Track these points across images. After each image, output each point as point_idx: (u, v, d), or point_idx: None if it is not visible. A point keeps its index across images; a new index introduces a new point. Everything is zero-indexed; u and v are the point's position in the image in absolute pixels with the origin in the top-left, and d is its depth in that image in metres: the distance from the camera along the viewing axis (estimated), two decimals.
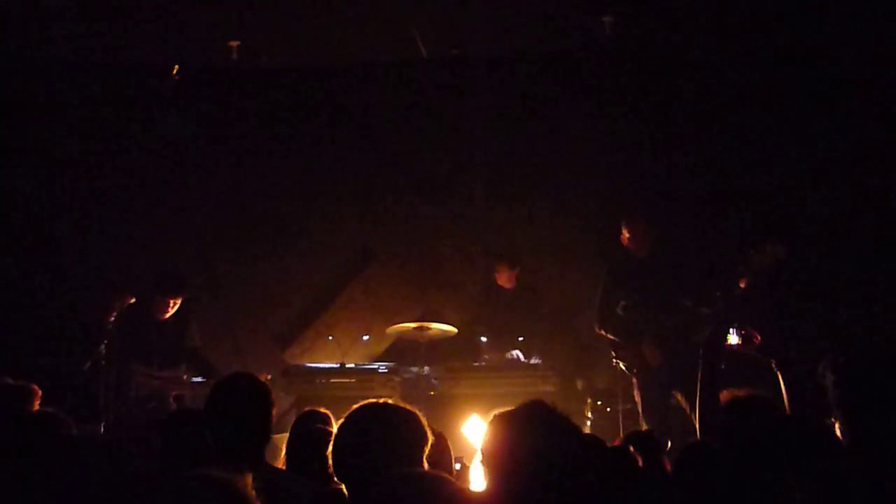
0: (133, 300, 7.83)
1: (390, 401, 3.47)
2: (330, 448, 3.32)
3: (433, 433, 3.96)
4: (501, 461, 2.98)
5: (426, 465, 3.29)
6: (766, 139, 8.80)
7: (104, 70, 9.25)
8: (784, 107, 8.67)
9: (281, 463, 4.37)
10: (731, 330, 4.39)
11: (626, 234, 7.65)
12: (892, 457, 3.31)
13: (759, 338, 4.48)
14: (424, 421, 3.46)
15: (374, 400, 3.47)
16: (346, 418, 3.39)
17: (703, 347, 4.34)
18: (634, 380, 7.60)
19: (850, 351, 3.64)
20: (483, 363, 8.68)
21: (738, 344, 4.43)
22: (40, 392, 5.10)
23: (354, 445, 3.31)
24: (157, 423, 4.59)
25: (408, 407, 3.46)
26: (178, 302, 8.12)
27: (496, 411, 3.65)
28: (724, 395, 4.40)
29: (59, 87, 9.18)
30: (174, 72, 9.11)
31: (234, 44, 8.77)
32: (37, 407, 5.01)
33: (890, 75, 8.03)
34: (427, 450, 3.38)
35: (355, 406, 3.42)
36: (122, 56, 9.06)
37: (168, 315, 8.10)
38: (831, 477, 3.08)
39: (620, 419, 7.77)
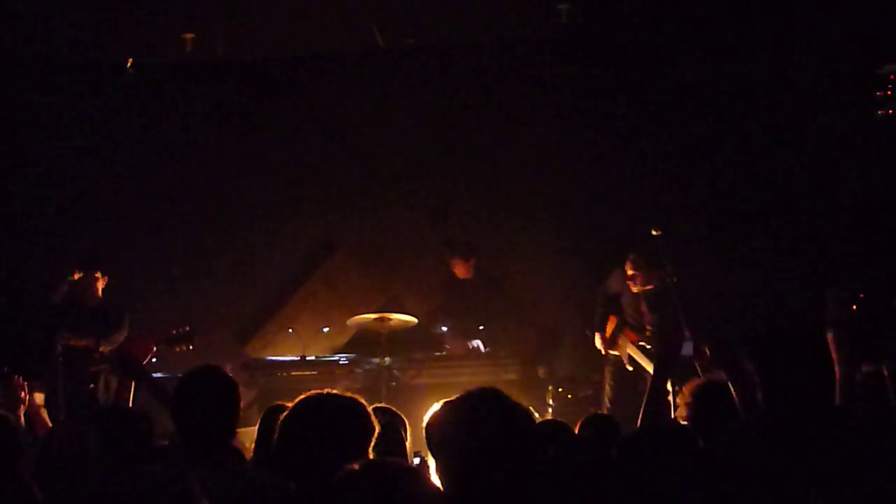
0: (77, 276, 7.74)
1: (334, 391, 3.45)
2: (273, 443, 3.31)
3: (390, 415, 3.96)
4: (450, 449, 2.96)
5: (371, 455, 3.28)
6: (724, 125, 8.89)
7: (58, 64, 9.14)
8: (744, 92, 8.76)
9: (247, 456, 4.35)
10: (684, 344, 4.44)
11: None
12: (803, 427, 3.41)
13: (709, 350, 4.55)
14: (370, 410, 3.45)
15: (315, 392, 3.45)
16: (289, 413, 3.37)
17: (657, 360, 4.40)
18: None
19: (759, 334, 3.82)
20: (444, 353, 8.71)
21: (691, 356, 4.49)
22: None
23: (297, 439, 3.29)
24: (94, 419, 4.50)
25: (354, 397, 3.44)
26: (98, 276, 7.96)
27: (443, 399, 3.67)
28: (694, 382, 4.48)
29: (11, 82, 9.05)
30: (128, 65, 9.02)
31: (189, 36, 8.69)
32: None
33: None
34: (373, 440, 3.37)
35: (298, 399, 3.41)
36: (76, 50, 8.96)
37: (92, 292, 7.93)
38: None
39: (582, 405, 7.86)
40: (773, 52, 8.55)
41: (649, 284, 8.01)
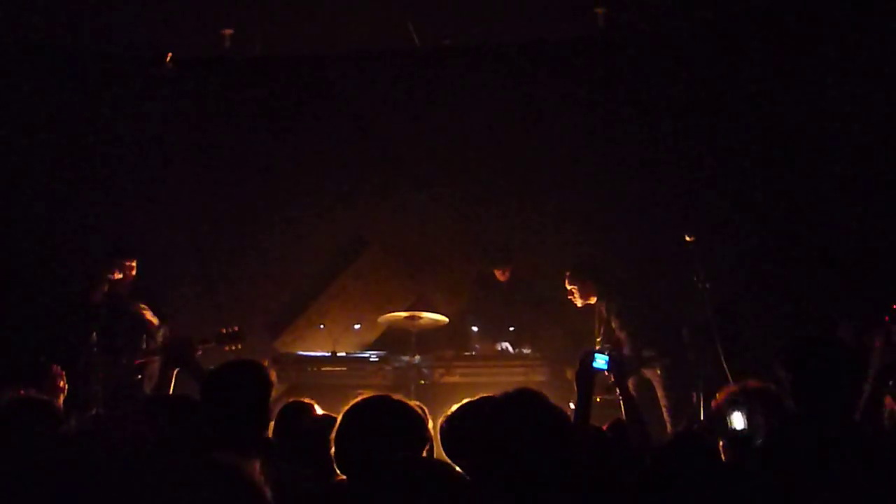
0: (119, 275, 7.84)
1: (398, 397, 3.48)
2: (333, 435, 3.33)
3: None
4: (487, 447, 2.98)
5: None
6: (758, 131, 8.84)
7: (97, 57, 9.23)
8: (781, 99, 8.70)
9: None
10: (596, 356, 4.44)
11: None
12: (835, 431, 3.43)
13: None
14: (429, 423, 3.47)
15: (382, 394, 3.47)
16: (353, 408, 3.39)
17: (576, 374, 4.40)
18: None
19: (792, 344, 3.88)
20: (473, 353, 8.72)
21: (606, 371, 4.49)
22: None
23: (361, 435, 3.31)
24: (148, 407, 4.54)
25: (415, 405, 3.46)
26: (133, 265, 8.06)
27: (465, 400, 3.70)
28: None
29: (51, 74, 9.15)
30: (167, 60, 9.10)
31: (227, 32, 8.76)
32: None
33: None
34: (425, 452, 3.39)
35: (363, 396, 3.43)
36: (115, 43, 9.05)
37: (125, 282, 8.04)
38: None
39: (609, 409, 7.82)
40: (808, 57, 8.47)
41: (589, 299, 8.10)
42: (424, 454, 3.35)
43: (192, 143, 9.66)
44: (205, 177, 9.68)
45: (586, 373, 4.33)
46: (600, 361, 4.41)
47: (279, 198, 9.70)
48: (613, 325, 8.08)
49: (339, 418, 3.39)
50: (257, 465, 2.43)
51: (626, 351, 7.82)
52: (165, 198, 9.52)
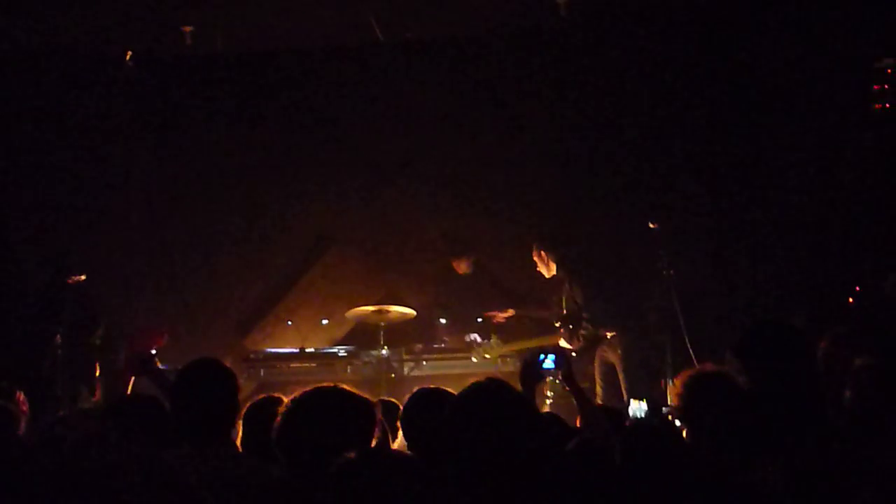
0: (83, 277, 7.83)
1: (344, 386, 3.50)
2: (275, 429, 3.35)
3: (385, 403, 4.01)
4: (454, 439, 2.99)
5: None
6: (725, 117, 8.91)
7: (55, 56, 9.13)
8: (742, 84, 8.78)
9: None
10: (545, 356, 4.48)
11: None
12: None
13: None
14: (372, 402, 3.49)
15: (319, 385, 3.49)
16: (293, 403, 3.41)
17: (520, 374, 4.44)
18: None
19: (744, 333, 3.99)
20: (442, 345, 8.75)
21: (553, 370, 4.53)
22: None
23: (300, 429, 3.32)
24: (108, 410, 4.55)
25: (357, 392, 3.48)
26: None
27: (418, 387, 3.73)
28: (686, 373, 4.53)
29: (8, 74, 9.05)
30: (127, 58, 9.03)
31: (188, 29, 8.70)
32: None
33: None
34: (375, 432, 3.40)
35: (301, 391, 3.45)
36: (74, 42, 8.95)
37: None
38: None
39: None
40: (772, 45, 8.56)
41: (551, 271, 8.29)
42: (374, 445, 3.35)
43: (155, 142, 9.59)
44: (170, 175, 9.62)
45: (530, 373, 4.35)
46: (548, 361, 4.44)
47: (245, 195, 9.65)
48: (573, 295, 8.17)
49: (283, 409, 3.40)
50: (213, 459, 2.42)
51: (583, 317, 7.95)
52: (130, 197, 9.45)
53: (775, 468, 3.33)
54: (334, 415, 3.32)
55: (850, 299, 7.73)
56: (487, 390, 3.09)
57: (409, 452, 3.78)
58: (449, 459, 2.93)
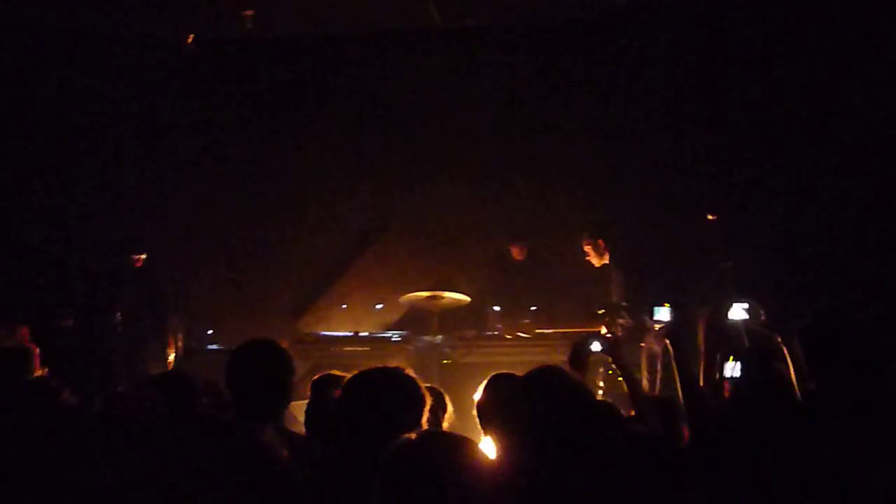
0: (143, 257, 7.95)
1: (403, 368, 3.52)
2: (335, 404, 3.38)
3: (431, 390, 4.04)
4: (514, 423, 3.02)
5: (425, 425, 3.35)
6: (783, 115, 8.79)
7: (118, 40, 9.26)
8: (806, 82, 8.65)
9: (299, 429, 4.42)
10: (592, 340, 4.49)
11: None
12: (853, 409, 3.47)
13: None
14: (421, 383, 3.52)
15: (370, 367, 3.52)
16: (345, 386, 3.44)
17: (569, 359, 4.45)
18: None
19: (811, 321, 3.87)
20: (495, 332, 8.74)
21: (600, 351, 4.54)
22: (37, 351, 5.12)
23: (352, 411, 3.36)
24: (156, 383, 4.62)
25: (407, 371, 3.51)
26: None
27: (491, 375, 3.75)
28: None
29: (70, 57, 9.18)
30: (189, 41, 9.12)
31: (249, 13, 8.77)
32: (37, 370, 5.04)
33: None
34: (425, 413, 3.43)
35: (353, 373, 3.48)
36: (134, 25, 9.07)
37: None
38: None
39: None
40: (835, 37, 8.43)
41: (605, 258, 8.31)
42: (424, 418, 3.38)
43: (215, 125, 9.68)
44: (228, 160, 9.71)
45: (579, 356, 4.38)
46: (595, 345, 4.47)
47: (302, 180, 9.73)
48: (619, 284, 8.15)
49: (334, 402, 3.44)
50: (269, 431, 2.46)
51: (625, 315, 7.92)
52: (189, 181, 9.56)
53: None
54: (392, 395, 3.35)
55: None
56: (546, 375, 3.12)
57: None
58: (508, 442, 2.96)
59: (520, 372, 3.41)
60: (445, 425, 4.26)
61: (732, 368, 4.26)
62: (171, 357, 8.07)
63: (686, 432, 4.14)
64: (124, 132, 9.30)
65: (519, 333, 8.43)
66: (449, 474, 2.62)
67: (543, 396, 3.02)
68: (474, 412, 4.07)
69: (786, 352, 4.38)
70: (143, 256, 8.13)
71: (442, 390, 4.49)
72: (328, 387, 4.60)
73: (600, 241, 8.25)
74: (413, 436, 2.75)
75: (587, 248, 8.32)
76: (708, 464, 3.19)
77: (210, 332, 8.86)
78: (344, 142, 9.70)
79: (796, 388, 4.05)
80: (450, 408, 4.37)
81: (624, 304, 8.00)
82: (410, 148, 9.69)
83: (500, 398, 3.75)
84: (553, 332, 8.50)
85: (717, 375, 5.17)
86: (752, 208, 8.68)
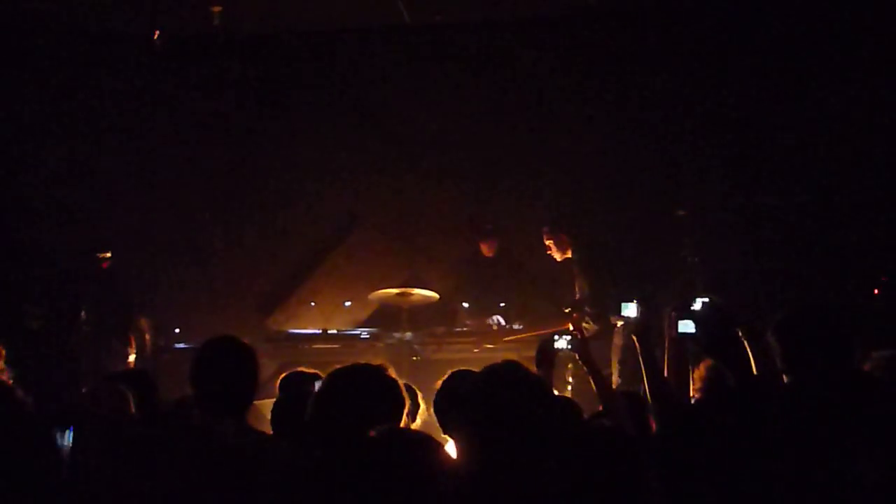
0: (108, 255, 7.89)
1: (380, 365, 3.52)
2: (310, 404, 3.37)
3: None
4: (470, 421, 3.02)
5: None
6: (754, 103, 8.84)
7: (83, 34, 9.17)
8: (769, 69, 8.71)
9: (267, 428, 4.40)
10: (558, 337, 4.53)
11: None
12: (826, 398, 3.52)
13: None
14: (401, 383, 3.51)
15: (357, 363, 3.52)
16: (324, 383, 3.44)
17: (535, 356, 4.50)
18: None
19: (785, 314, 3.95)
20: (465, 329, 8.74)
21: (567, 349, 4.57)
22: (3, 352, 5.08)
23: (329, 408, 3.35)
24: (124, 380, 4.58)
25: (387, 370, 3.50)
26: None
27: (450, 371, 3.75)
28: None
29: (31, 52, 9.08)
30: (155, 37, 9.05)
31: (217, 9, 8.71)
32: (2, 369, 5.00)
33: None
34: (404, 413, 3.43)
35: (333, 369, 3.47)
36: (100, 21, 8.99)
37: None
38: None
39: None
40: (803, 32, 8.49)
41: (567, 253, 8.23)
42: (402, 425, 3.38)
43: (182, 122, 9.60)
44: (196, 156, 9.64)
45: (545, 355, 4.41)
46: (561, 341, 4.50)
47: (272, 175, 9.68)
48: (579, 280, 8.14)
49: (323, 384, 3.44)
50: (232, 428, 2.46)
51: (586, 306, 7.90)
52: (156, 178, 9.49)
53: None
54: (367, 392, 3.35)
55: (876, 290, 7.69)
56: (503, 372, 3.11)
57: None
58: (466, 438, 2.95)
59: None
60: (419, 422, 4.26)
61: (686, 325, 4.29)
62: (132, 357, 8.01)
63: (653, 425, 4.16)
64: (87, 129, 9.19)
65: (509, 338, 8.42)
66: (408, 473, 2.62)
67: (499, 392, 3.02)
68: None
69: (745, 342, 4.40)
70: (108, 255, 8.06)
71: (415, 387, 4.49)
72: (296, 384, 4.60)
73: (563, 236, 8.22)
74: (374, 433, 2.75)
75: (548, 243, 8.29)
76: (673, 456, 3.21)
77: (177, 330, 8.79)
78: (313, 138, 9.65)
79: (754, 368, 4.07)
80: (422, 405, 4.37)
81: (587, 308, 7.99)
82: (380, 145, 9.67)
83: (457, 395, 3.76)
84: (523, 329, 8.51)
85: (688, 367, 5.19)
86: (719, 204, 8.72)
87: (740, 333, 4.17)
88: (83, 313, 7.68)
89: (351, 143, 9.62)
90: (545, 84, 9.31)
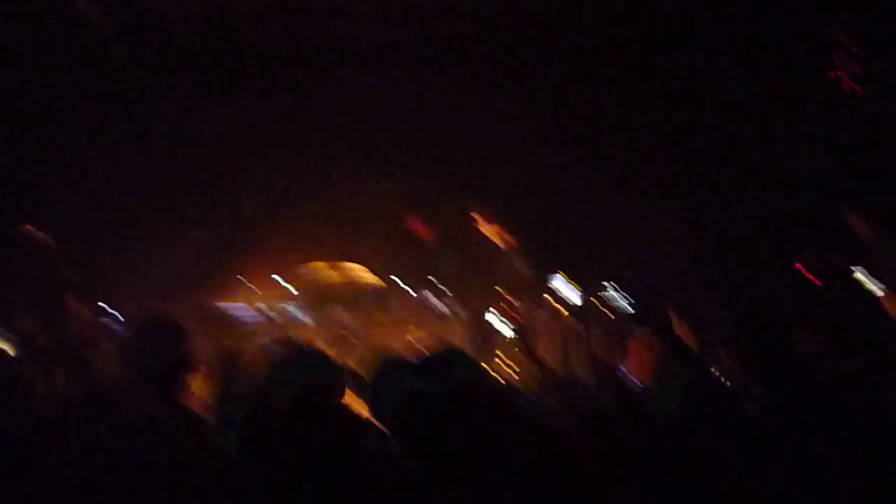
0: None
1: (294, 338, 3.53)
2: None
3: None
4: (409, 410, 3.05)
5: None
6: (706, 106, 8.93)
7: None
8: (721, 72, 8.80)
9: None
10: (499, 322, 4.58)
11: None
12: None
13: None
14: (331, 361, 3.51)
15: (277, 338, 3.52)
16: (263, 353, 3.44)
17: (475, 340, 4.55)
18: None
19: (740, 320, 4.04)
20: (396, 307, 8.74)
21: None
22: None
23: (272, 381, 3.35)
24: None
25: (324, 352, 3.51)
26: None
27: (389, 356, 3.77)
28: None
29: None
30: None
31: None
32: None
33: None
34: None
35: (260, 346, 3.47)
36: None
37: None
38: None
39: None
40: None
41: (494, 233, 8.24)
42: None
43: (106, 91, 9.39)
44: (121, 130, 9.44)
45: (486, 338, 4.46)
46: (505, 328, 4.54)
47: (200, 150, 9.52)
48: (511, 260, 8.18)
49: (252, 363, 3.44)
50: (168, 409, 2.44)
51: None
52: (80, 153, 9.27)
53: None
54: (306, 374, 3.35)
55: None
56: (441, 356, 3.14)
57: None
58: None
59: (421, 346, 3.42)
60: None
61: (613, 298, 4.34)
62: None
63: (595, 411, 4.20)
64: (9, 99, 8.95)
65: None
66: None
67: (436, 378, 3.04)
68: None
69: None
70: (28, 227, 7.85)
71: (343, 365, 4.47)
72: (227, 362, 4.56)
73: (489, 213, 8.24)
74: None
75: (477, 219, 8.30)
76: (616, 441, 3.25)
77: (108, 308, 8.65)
78: (246, 110, 9.53)
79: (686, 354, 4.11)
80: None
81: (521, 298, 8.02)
82: (314, 118, 9.58)
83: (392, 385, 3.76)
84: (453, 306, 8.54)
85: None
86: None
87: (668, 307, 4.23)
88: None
89: (285, 115, 9.51)
90: (488, 55, 9.28)
